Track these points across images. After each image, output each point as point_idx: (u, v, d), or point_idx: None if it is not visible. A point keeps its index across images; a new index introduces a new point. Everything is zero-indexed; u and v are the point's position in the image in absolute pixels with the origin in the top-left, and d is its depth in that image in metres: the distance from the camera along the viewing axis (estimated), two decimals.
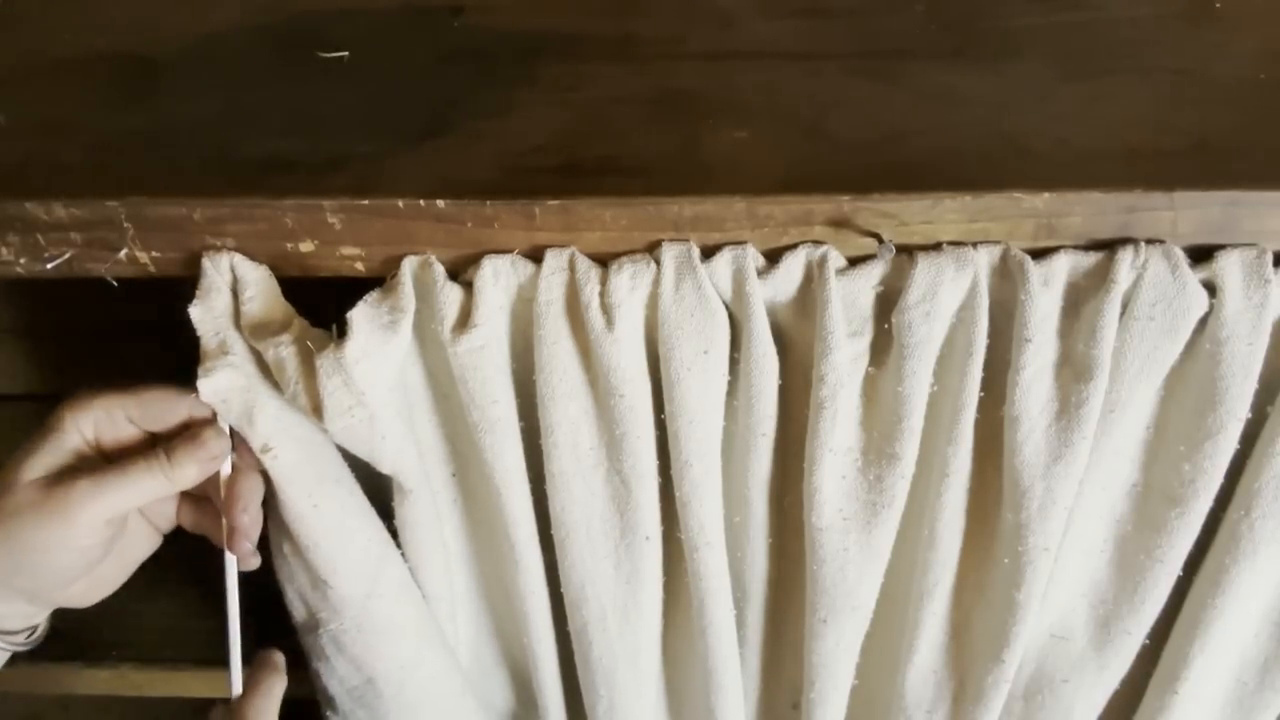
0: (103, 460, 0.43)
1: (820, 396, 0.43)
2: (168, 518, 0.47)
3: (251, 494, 0.44)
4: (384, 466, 0.46)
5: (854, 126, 0.44)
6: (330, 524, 0.46)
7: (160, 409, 0.43)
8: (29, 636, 0.45)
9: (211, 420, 0.43)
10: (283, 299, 0.43)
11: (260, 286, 0.42)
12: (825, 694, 0.52)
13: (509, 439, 0.46)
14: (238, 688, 0.47)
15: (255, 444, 0.43)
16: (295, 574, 0.48)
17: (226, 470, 0.44)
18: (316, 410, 0.42)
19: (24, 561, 0.41)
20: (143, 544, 0.46)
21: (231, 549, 0.44)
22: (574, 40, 0.52)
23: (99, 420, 0.42)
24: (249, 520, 0.43)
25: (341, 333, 0.42)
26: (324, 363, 0.41)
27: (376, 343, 0.42)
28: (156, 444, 0.43)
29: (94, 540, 0.41)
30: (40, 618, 0.45)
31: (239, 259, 0.42)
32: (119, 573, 0.45)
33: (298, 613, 0.50)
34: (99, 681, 0.62)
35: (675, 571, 0.51)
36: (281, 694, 0.48)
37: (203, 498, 0.46)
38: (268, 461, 0.44)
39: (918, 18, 0.52)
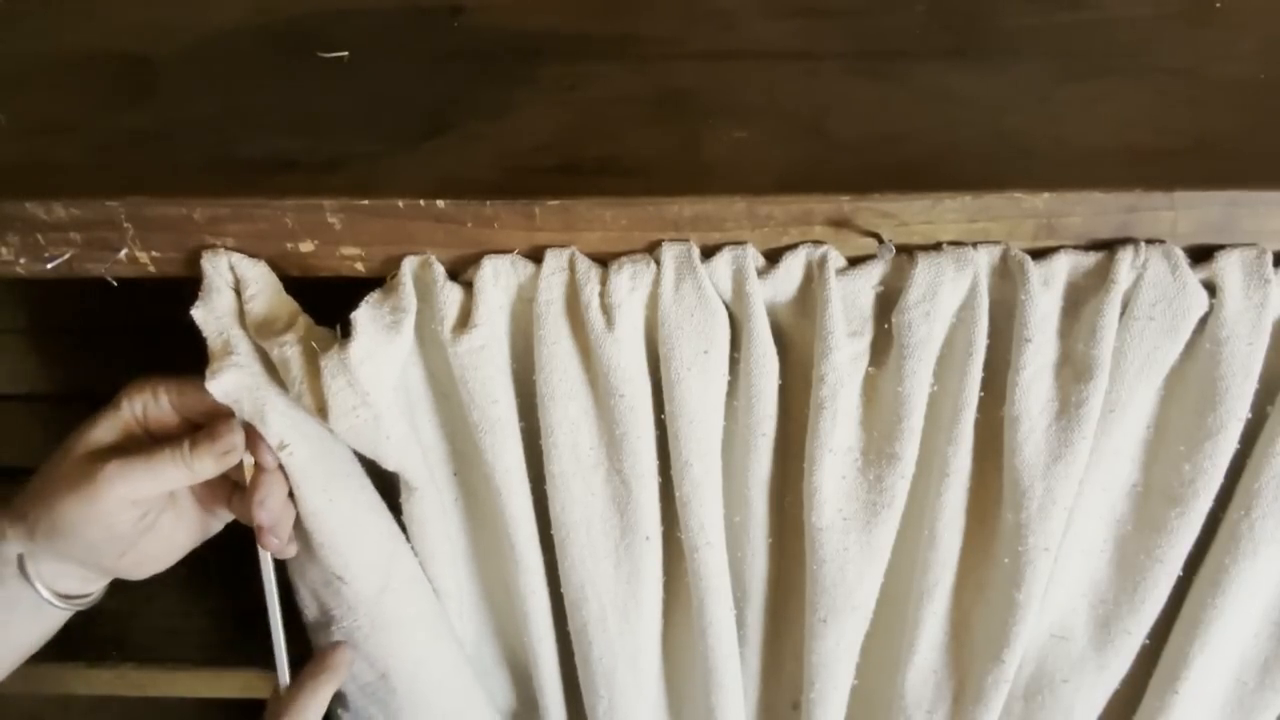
0: (148, 440, 0.45)
1: (820, 396, 0.43)
2: (222, 507, 0.48)
3: (270, 491, 0.45)
4: (389, 465, 0.46)
5: (854, 126, 0.44)
6: (344, 518, 0.46)
7: (195, 398, 0.45)
8: (89, 599, 0.48)
9: (227, 414, 0.44)
10: (285, 295, 0.43)
11: (261, 284, 0.42)
12: (825, 694, 0.52)
13: (509, 439, 0.46)
14: (285, 678, 0.49)
15: (272, 441, 0.44)
16: (308, 571, 0.48)
17: (249, 464, 0.45)
18: (321, 410, 0.42)
19: (61, 531, 0.43)
20: (193, 528, 0.48)
21: (261, 544, 0.46)
22: (574, 40, 0.52)
23: (148, 402, 0.45)
24: (268, 517, 0.45)
25: (344, 332, 0.42)
26: (328, 363, 0.41)
27: (380, 343, 0.42)
28: (194, 430, 0.45)
29: (121, 519, 0.43)
30: (97, 585, 0.47)
31: (238, 257, 0.42)
32: (167, 552, 0.47)
33: (310, 611, 0.50)
34: (99, 681, 0.62)
35: (675, 571, 0.51)
36: (329, 689, 0.49)
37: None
38: (284, 458, 0.44)
39: (918, 18, 0.52)
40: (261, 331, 0.43)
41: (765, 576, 0.52)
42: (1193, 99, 0.45)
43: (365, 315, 0.42)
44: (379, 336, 0.42)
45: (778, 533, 0.50)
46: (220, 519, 0.49)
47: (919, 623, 0.50)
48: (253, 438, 0.44)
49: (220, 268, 0.42)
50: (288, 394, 0.43)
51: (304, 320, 0.43)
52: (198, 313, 0.42)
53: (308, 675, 0.49)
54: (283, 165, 0.42)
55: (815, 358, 0.43)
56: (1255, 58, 0.48)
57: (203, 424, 0.45)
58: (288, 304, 0.43)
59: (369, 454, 0.45)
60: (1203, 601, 0.48)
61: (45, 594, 0.44)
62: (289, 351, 0.42)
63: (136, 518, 0.44)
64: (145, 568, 0.46)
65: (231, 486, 0.47)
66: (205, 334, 0.42)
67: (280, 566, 0.49)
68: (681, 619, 0.53)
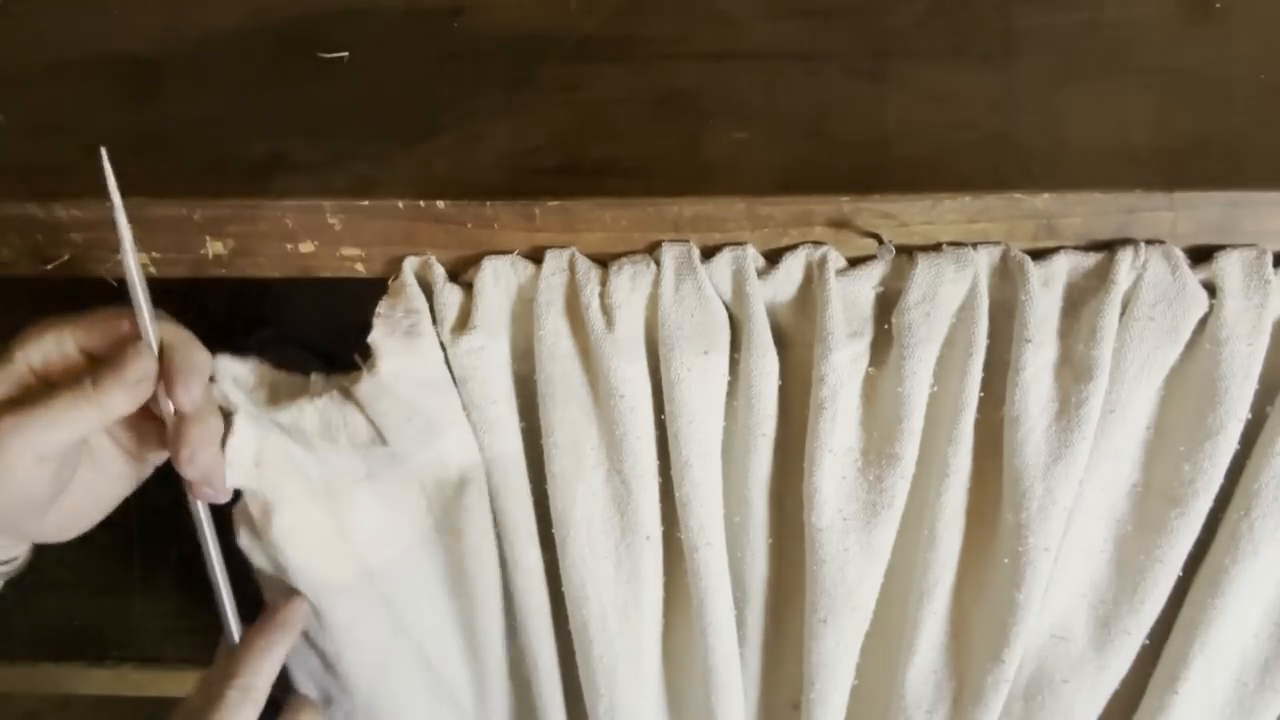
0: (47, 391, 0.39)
1: (820, 397, 0.43)
2: (152, 450, 0.43)
3: (199, 441, 0.39)
4: (451, 462, 0.46)
5: (854, 126, 0.44)
6: (338, 625, 0.46)
7: (105, 330, 0.39)
8: (13, 566, 0.44)
9: (134, 338, 0.39)
10: (287, 376, 0.44)
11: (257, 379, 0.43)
12: (825, 694, 0.52)
13: (509, 439, 0.46)
14: (235, 638, 0.46)
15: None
16: (306, 657, 0.49)
17: (169, 409, 0.39)
18: (377, 437, 0.43)
19: None
20: (119, 478, 0.43)
21: (195, 495, 0.42)
22: (574, 40, 0.52)
23: (48, 351, 0.39)
24: (195, 472, 0.40)
25: (364, 356, 0.42)
26: (362, 390, 0.41)
27: (404, 350, 0.42)
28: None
29: (32, 478, 0.38)
30: (17, 550, 0.43)
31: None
32: (93, 508, 0.42)
33: (310, 691, 0.51)
34: (99, 681, 0.62)
35: (675, 571, 0.51)
36: (283, 646, 0.46)
37: None
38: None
39: (918, 17, 0.52)
40: (273, 399, 0.43)
41: (765, 577, 0.52)
42: (1193, 99, 0.45)
43: (381, 330, 0.41)
44: (400, 344, 0.41)
45: (778, 533, 0.50)
46: (151, 463, 0.43)
47: (919, 623, 0.50)
48: (169, 373, 0.38)
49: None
50: (296, 508, 0.44)
51: (317, 378, 0.44)
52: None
53: (258, 632, 0.45)
54: (283, 165, 0.42)
55: (815, 358, 0.43)
56: (1255, 58, 0.48)
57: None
58: (291, 380, 0.44)
59: (433, 460, 0.45)
60: (1203, 602, 0.48)
61: None
62: (312, 407, 0.42)
63: (50, 476, 0.38)
64: (71, 528, 0.42)
65: (160, 425, 0.41)
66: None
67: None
68: (681, 619, 0.53)
